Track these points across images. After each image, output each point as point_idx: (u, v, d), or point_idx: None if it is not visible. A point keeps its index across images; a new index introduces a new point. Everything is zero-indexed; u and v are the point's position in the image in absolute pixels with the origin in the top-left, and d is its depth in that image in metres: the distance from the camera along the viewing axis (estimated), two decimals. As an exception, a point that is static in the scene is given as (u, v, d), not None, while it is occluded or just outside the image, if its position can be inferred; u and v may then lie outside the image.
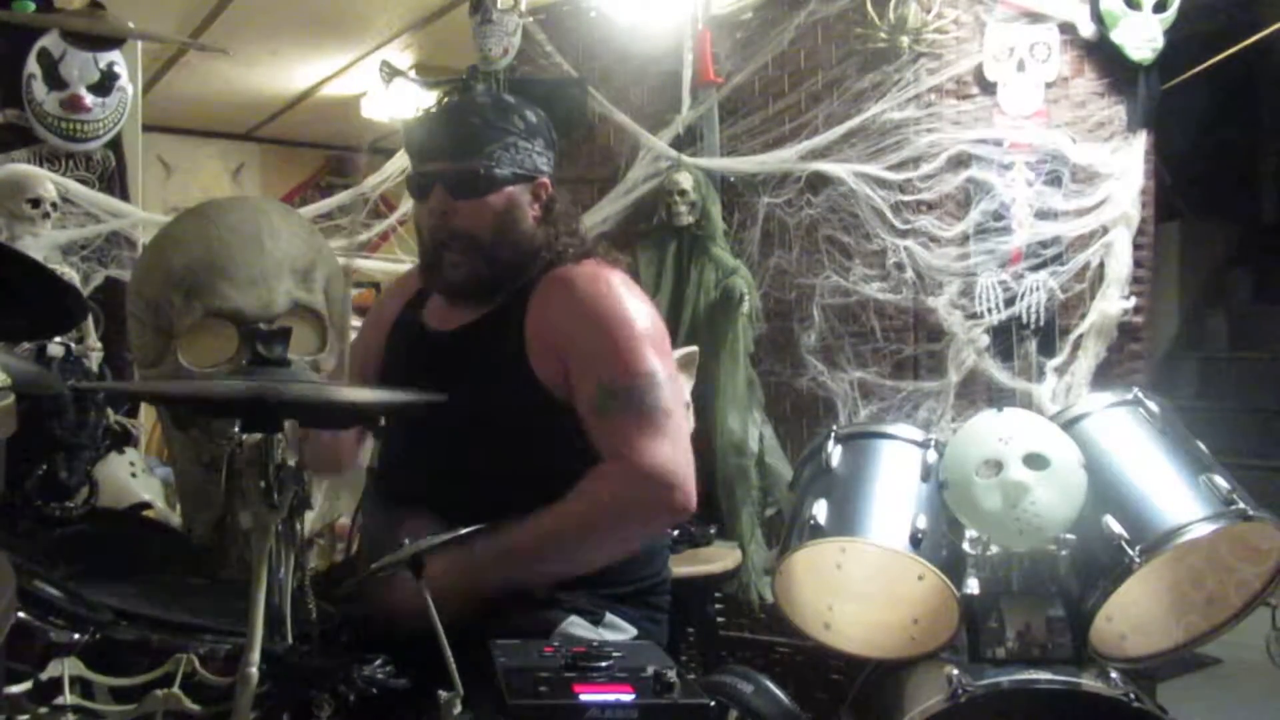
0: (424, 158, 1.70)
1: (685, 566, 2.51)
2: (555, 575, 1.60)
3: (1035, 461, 1.95)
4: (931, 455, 2.14)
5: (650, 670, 1.22)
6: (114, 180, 3.21)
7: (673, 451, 1.58)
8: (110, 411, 2.56)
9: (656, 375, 1.61)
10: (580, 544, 1.58)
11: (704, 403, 2.76)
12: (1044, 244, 2.70)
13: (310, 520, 1.33)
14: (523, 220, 1.70)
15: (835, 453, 2.17)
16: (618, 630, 1.63)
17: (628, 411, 1.58)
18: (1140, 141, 2.65)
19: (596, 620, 1.62)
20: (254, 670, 1.13)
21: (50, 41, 3.04)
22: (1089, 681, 1.84)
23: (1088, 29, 2.68)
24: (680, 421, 1.63)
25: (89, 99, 3.10)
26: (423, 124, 1.72)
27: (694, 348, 2.58)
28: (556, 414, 1.63)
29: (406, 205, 3.58)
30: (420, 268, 1.79)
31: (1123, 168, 2.64)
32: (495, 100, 1.72)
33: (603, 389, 1.60)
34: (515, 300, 1.69)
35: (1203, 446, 2.07)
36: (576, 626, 1.58)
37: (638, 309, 1.67)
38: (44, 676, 1.17)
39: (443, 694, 1.20)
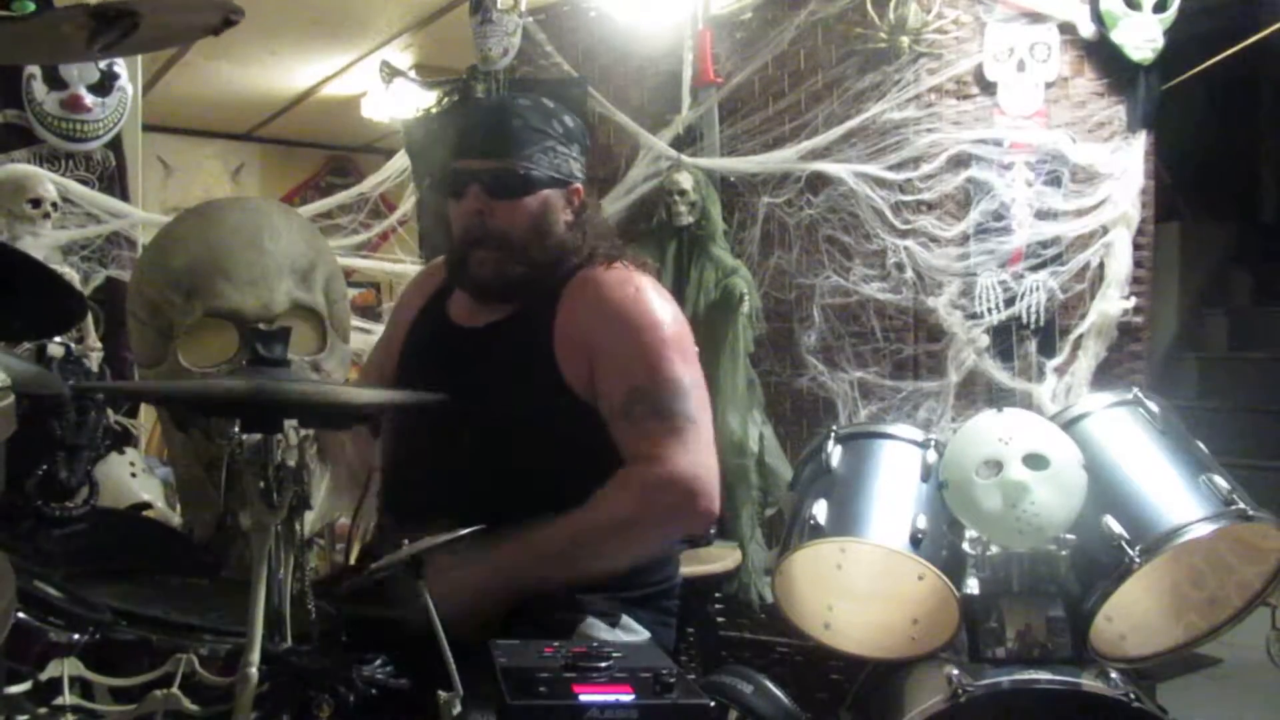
0: (462, 155, 1.71)
1: (685, 566, 2.48)
2: (576, 579, 1.61)
3: (1035, 461, 1.95)
4: (931, 455, 2.13)
5: (650, 670, 1.22)
6: (114, 180, 3.21)
7: (696, 458, 1.59)
8: (110, 411, 2.56)
9: (682, 381, 1.62)
10: (601, 548, 1.59)
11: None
12: (1044, 244, 2.70)
13: (310, 520, 1.32)
14: (556, 224, 1.71)
15: (835, 453, 2.17)
16: (632, 633, 1.63)
17: (653, 417, 1.59)
18: (1140, 141, 2.65)
19: (614, 623, 1.62)
20: (254, 671, 1.13)
21: (50, 41, 3.04)
22: (1089, 681, 1.83)
23: (1088, 29, 2.68)
24: (705, 429, 1.63)
25: (89, 99, 3.10)
26: (463, 121, 1.72)
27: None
28: (578, 415, 1.64)
29: (406, 205, 3.59)
30: (446, 263, 1.80)
31: (1123, 168, 2.64)
32: (536, 104, 1.74)
33: (630, 393, 1.60)
34: (545, 300, 1.70)
35: (1203, 446, 2.07)
36: (595, 629, 1.58)
37: (666, 314, 1.68)
38: (44, 677, 1.16)
39: (442, 694, 1.20)
